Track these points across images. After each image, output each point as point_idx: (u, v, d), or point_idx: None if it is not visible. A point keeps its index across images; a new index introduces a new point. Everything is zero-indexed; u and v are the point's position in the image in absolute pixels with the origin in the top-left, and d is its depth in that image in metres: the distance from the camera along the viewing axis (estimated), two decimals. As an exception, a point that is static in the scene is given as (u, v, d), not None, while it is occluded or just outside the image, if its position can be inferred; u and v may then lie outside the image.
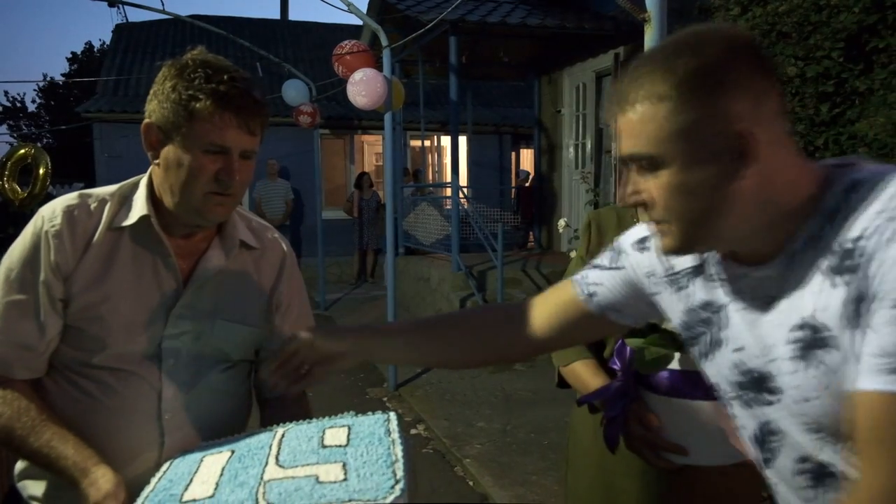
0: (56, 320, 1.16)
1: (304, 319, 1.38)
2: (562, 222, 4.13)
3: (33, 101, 23.34)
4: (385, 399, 5.30)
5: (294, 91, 8.60)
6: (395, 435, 0.92)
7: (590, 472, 1.61)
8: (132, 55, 12.99)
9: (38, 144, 9.20)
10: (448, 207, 8.55)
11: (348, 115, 11.46)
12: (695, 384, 1.19)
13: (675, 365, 1.26)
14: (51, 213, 1.18)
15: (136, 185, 1.24)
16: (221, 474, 0.87)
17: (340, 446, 0.91)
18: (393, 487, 0.81)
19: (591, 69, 8.05)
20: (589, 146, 8.19)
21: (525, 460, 3.94)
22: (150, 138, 1.18)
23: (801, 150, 0.82)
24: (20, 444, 1.11)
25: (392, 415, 0.97)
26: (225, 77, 1.12)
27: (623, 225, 1.63)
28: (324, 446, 0.92)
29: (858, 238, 0.72)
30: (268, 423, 1.42)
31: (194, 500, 0.82)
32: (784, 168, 0.78)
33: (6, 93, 22.44)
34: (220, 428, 1.28)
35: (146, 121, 1.18)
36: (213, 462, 0.92)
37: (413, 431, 4.57)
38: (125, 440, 1.17)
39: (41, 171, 7.29)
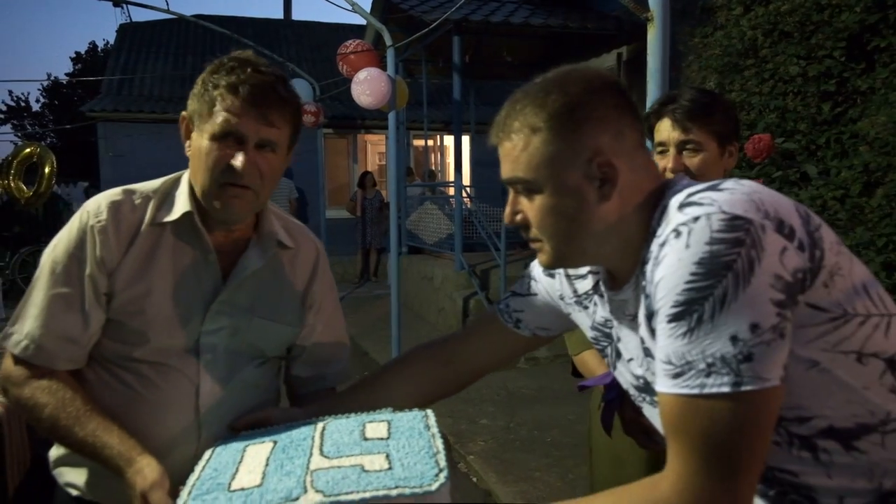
0: (99, 314, 1.18)
1: (336, 318, 1.42)
2: (565, 221, 4.16)
3: (37, 101, 23.39)
4: (389, 396, 5.33)
5: (298, 90, 8.65)
6: (434, 430, 0.95)
7: (606, 460, 1.67)
8: (136, 55, 13.04)
9: (43, 143, 9.23)
10: (451, 206, 8.60)
11: (352, 114, 11.50)
12: None
13: None
14: (96, 207, 1.19)
15: (178, 181, 1.26)
16: (267, 464, 0.89)
17: (382, 439, 0.93)
18: (437, 475, 0.84)
19: (593, 69, 8.08)
20: (592, 145, 8.21)
21: (528, 457, 3.96)
22: (183, 130, 1.22)
23: (656, 177, 0.91)
24: (65, 434, 1.14)
25: (429, 412, 1.00)
26: (248, 69, 1.14)
27: None
28: (366, 439, 0.94)
29: (646, 262, 0.84)
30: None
31: (243, 489, 0.84)
32: (638, 192, 0.89)
33: (10, 92, 22.56)
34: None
35: (182, 113, 1.22)
36: (257, 452, 0.93)
37: (417, 428, 4.60)
38: (164, 432, 1.19)
39: (47, 170, 7.34)
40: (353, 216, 10.61)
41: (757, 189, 0.79)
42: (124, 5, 9.13)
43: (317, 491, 0.81)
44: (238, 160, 1.12)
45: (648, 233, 0.87)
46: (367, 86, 4.90)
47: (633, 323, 0.93)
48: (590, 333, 1.07)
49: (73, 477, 1.24)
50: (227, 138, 1.13)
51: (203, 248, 1.22)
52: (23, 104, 22.74)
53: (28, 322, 1.17)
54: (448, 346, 1.28)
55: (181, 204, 1.20)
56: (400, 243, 6.74)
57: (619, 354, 1.01)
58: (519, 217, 0.92)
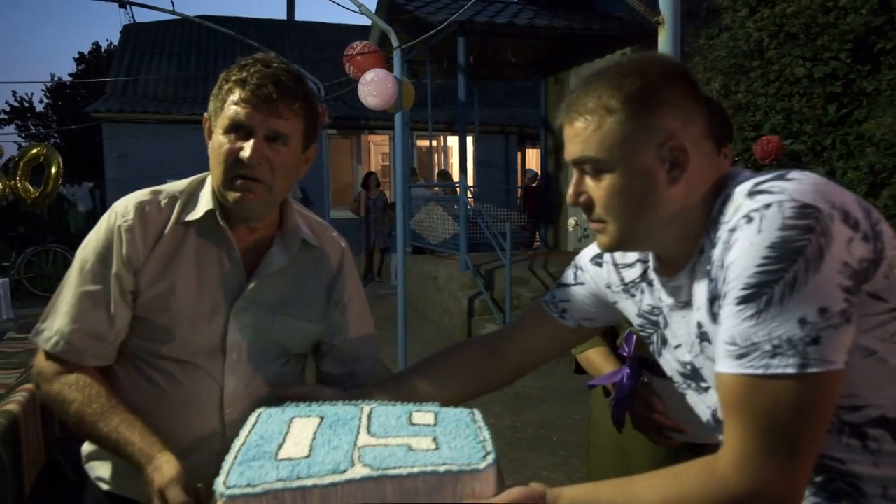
0: (125, 311, 1.20)
1: (365, 316, 1.42)
2: (571, 221, 4.17)
3: (41, 101, 23.46)
4: (395, 396, 5.35)
5: (303, 91, 8.67)
6: (481, 424, 0.96)
7: (608, 453, 1.69)
8: (140, 55, 13.08)
9: (48, 144, 9.27)
10: (455, 207, 8.62)
11: (355, 115, 11.54)
12: None
13: None
14: (124, 208, 1.22)
15: (203, 181, 1.28)
16: (314, 438, 0.90)
17: (429, 425, 0.95)
18: (485, 457, 0.85)
19: (597, 69, 8.09)
20: (595, 146, 8.22)
21: (535, 456, 3.99)
22: (206, 130, 1.23)
23: (718, 167, 0.93)
24: (91, 430, 1.16)
25: (476, 410, 1.01)
26: (258, 65, 1.16)
27: None
28: (412, 424, 0.95)
29: (714, 248, 0.86)
30: None
31: (290, 459, 0.85)
32: (703, 183, 0.91)
33: (14, 93, 22.59)
34: None
35: (204, 114, 1.24)
36: (304, 425, 0.94)
37: (423, 427, 4.62)
38: (188, 430, 1.21)
39: (53, 170, 7.34)
40: (356, 216, 10.64)
41: (822, 181, 0.82)
42: (129, 6, 9.17)
43: (364, 465, 0.83)
44: (246, 151, 1.13)
45: (710, 220, 0.89)
46: (374, 87, 4.92)
47: (685, 309, 0.94)
48: (636, 321, 1.09)
49: (103, 471, 1.27)
50: (237, 131, 1.15)
51: (227, 246, 1.23)
52: (26, 104, 22.80)
53: (58, 319, 1.20)
54: (494, 340, 1.28)
55: (204, 203, 1.23)
56: (405, 243, 6.76)
57: (665, 341, 1.02)
58: (583, 198, 0.93)
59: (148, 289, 1.20)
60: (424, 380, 1.25)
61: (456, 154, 13.95)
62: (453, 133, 12.18)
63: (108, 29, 60.88)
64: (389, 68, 5.40)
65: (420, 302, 8.01)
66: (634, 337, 1.45)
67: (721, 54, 4.42)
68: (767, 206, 0.79)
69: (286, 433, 0.93)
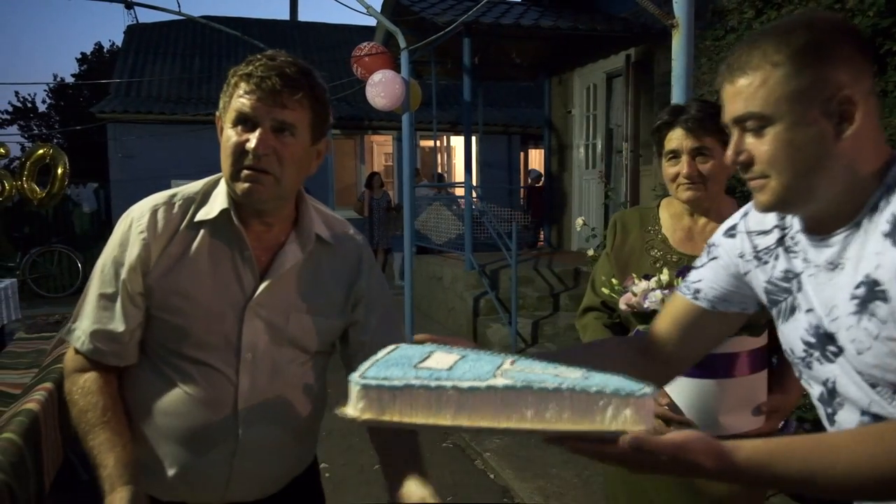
0: (136, 314, 1.22)
1: (391, 312, 1.42)
2: (579, 221, 4.20)
3: (43, 102, 23.48)
4: (402, 395, 5.38)
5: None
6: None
7: None
8: (144, 56, 13.11)
9: (54, 144, 9.30)
10: (459, 207, 8.64)
11: (359, 115, 11.57)
12: (698, 365, 1.32)
13: None
14: (139, 213, 1.24)
15: (217, 182, 1.29)
16: (456, 361, 0.86)
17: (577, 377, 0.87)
18: (642, 388, 0.76)
19: (601, 70, 8.12)
20: (599, 146, 8.26)
21: (544, 454, 4.01)
22: (218, 128, 1.25)
23: (881, 132, 0.93)
24: (82, 438, 1.21)
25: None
26: (263, 59, 1.18)
27: (645, 224, 1.76)
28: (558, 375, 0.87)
29: (876, 209, 0.87)
30: None
31: (430, 368, 0.82)
32: (869, 140, 0.90)
33: (17, 93, 22.61)
34: (298, 423, 1.33)
35: (216, 113, 1.26)
36: (445, 355, 0.90)
37: (432, 427, 4.65)
38: (202, 429, 1.23)
39: (59, 170, 7.38)
40: (360, 216, 10.67)
41: None
42: (133, 7, 9.18)
43: (507, 378, 0.78)
44: (252, 142, 1.14)
45: (885, 182, 0.89)
46: (382, 88, 4.95)
47: (833, 271, 0.93)
48: (764, 288, 1.06)
49: None
50: (243, 123, 1.16)
51: (240, 245, 1.24)
52: (29, 105, 22.82)
53: (84, 319, 1.24)
54: (637, 337, 1.25)
55: (219, 202, 1.24)
56: (412, 244, 6.79)
57: (793, 309, 1.00)
58: (743, 156, 0.93)
59: (161, 290, 1.22)
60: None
61: (458, 154, 14.00)
62: (456, 133, 12.22)
63: (110, 29, 60.98)
64: (396, 69, 5.43)
65: (425, 302, 8.03)
66: (644, 333, 1.50)
67: (727, 55, 4.44)
68: None
69: (427, 356, 0.89)
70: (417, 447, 1.28)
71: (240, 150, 1.16)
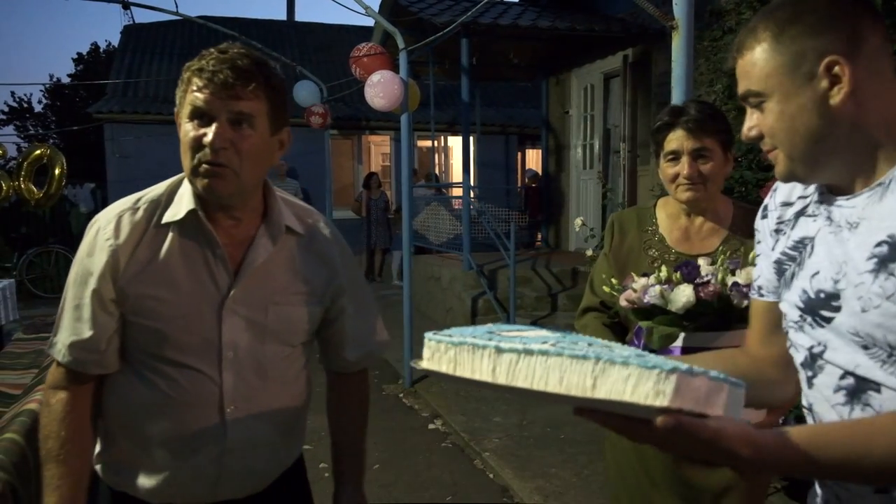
0: (109, 321, 1.22)
1: (365, 295, 1.45)
2: (578, 221, 4.21)
3: (39, 102, 23.40)
4: (401, 395, 5.39)
5: (305, 92, 8.69)
6: None
7: (628, 444, 1.75)
8: (140, 56, 13.09)
9: (51, 145, 9.29)
10: (457, 207, 8.64)
11: (356, 115, 11.57)
12: None
13: (679, 343, 1.49)
14: (105, 220, 1.24)
15: (181, 182, 1.28)
16: (527, 334, 0.87)
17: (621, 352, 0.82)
18: (690, 367, 0.71)
19: (599, 70, 8.14)
20: (597, 147, 8.28)
21: (543, 454, 4.02)
22: (177, 125, 1.24)
23: None
24: (41, 461, 1.23)
25: None
26: (214, 52, 1.18)
27: (642, 224, 1.79)
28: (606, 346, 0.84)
29: None
30: (331, 400, 1.51)
31: (498, 335, 0.86)
32: (880, 100, 0.90)
33: (13, 93, 22.56)
34: (285, 418, 1.34)
35: (175, 110, 1.25)
36: (536, 331, 0.89)
37: (431, 427, 4.66)
38: (189, 432, 1.23)
39: (57, 171, 7.36)
40: (358, 217, 10.67)
41: None
42: (130, 7, 9.17)
43: (549, 345, 0.78)
44: (209, 136, 1.14)
45: None
46: (381, 88, 4.95)
47: (849, 231, 0.92)
48: (775, 258, 1.06)
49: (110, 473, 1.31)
50: (200, 118, 1.16)
51: (211, 244, 1.24)
52: (25, 105, 22.76)
53: (62, 332, 1.24)
54: (745, 349, 1.17)
55: (185, 202, 1.23)
56: (410, 244, 6.79)
57: (794, 275, 1.00)
58: (754, 131, 0.96)
59: (134, 295, 1.21)
60: None
61: (456, 154, 14.01)
62: (454, 133, 12.23)
63: (106, 30, 60.85)
64: (394, 70, 5.43)
65: (423, 302, 8.04)
66: (644, 329, 1.53)
67: (725, 56, 4.46)
68: None
69: (524, 331, 0.90)
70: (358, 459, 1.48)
71: (197, 145, 1.16)
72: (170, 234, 1.23)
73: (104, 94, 12.17)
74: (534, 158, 15.03)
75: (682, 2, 2.43)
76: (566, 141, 8.86)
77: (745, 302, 1.43)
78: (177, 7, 6.89)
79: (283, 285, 1.29)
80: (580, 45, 7.89)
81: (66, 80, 23.13)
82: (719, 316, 1.49)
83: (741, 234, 1.68)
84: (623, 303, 1.60)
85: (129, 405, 1.25)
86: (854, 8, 0.90)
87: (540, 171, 10.46)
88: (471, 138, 7.58)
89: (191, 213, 1.22)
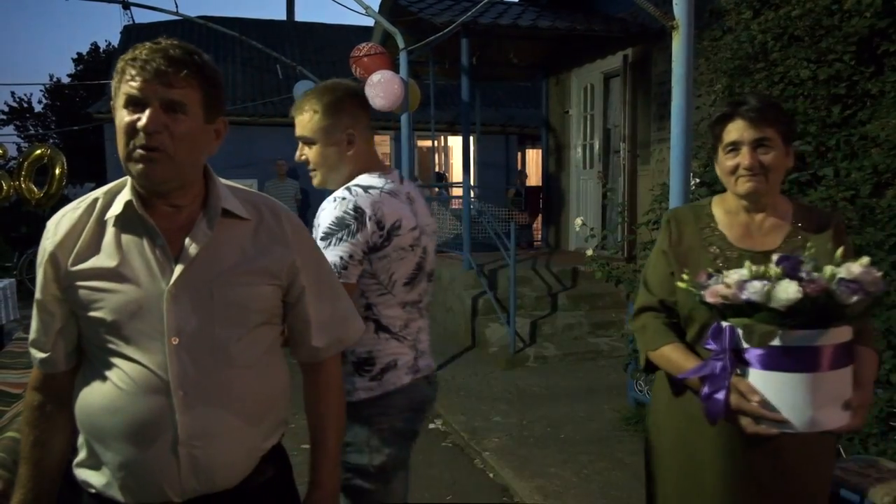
0: (50, 320, 1.29)
1: (328, 276, 1.45)
2: (578, 221, 4.21)
3: (39, 102, 23.41)
4: (401, 395, 5.38)
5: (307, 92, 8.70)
6: None
7: (669, 447, 1.73)
8: (141, 56, 13.07)
9: (52, 144, 9.30)
10: (455, 207, 8.65)
11: (356, 115, 11.55)
12: (793, 359, 1.36)
13: (776, 341, 1.40)
14: (51, 222, 1.30)
15: (126, 182, 1.30)
16: None
17: None
18: None
19: (599, 70, 8.14)
20: (597, 146, 8.28)
21: (543, 453, 4.03)
22: (114, 115, 1.26)
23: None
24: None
25: None
26: (148, 44, 1.21)
27: (699, 221, 1.72)
28: None
29: None
30: (306, 396, 1.49)
31: None
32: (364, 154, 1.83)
33: (13, 93, 22.56)
34: (247, 404, 1.30)
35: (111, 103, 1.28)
36: None
37: (431, 426, 4.66)
38: (140, 422, 1.22)
39: (57, 171, 7.38)
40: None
41: None
42: (130, 8, 9.17)
43: None
44: (142, 120, 1.17)
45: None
46: (381, 88, 4.96)
47: None
48: None
49: (91, 478, 1.31)
50: (134, 105, 1.19)
51: (150, 234, 1.25)
52: (25, 105, 22.76)
53: (31, 329, 1.32)
54: None
55: (123, 195, 1.27)
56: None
57: None
58: (303, 159, 1.91)
59: (77, 288, 1.25)
60: None
61: (456, 154, 14.00)
62: (454, 133, 12.23)
63: (106, 30, 60.83)
64: (394, 69, 5.44)
65: (423, 302, 8.03)
66: (728, 328, 1.45)
67: (725, 56, 4.46)
68: None
69: None
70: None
71: (131, 130, 1.18)
72: (111, 229, 1.26)
73: (104, 94, 12.17)
74: (534, 158, 15.03)
75: (683, 1, 2.43)
76: (566, 141, 8.86)
77: (854, 298, 1.36)
78: (177, 7, 6.91)
79: (229, 267, 1.28)
80: (580, 45, 7.89)
81: (66, 80, 23.12)
82: (819, 314, 1.40)
83: (804, 229, 1.62)
84: (711, 299, 1.47)
85: (89, 402, 1.27)
86: (358, 102, 1.65)
87: (540, 171, 10.46)
88: (471, 138, 7.57)
89: (127, 204, 1.25)
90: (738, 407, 1.43)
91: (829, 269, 1.39)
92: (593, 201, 8.26)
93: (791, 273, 1.40)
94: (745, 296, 1.41)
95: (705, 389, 1.47)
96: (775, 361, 1.39)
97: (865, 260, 1.40)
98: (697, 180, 4.11)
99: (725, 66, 4.41)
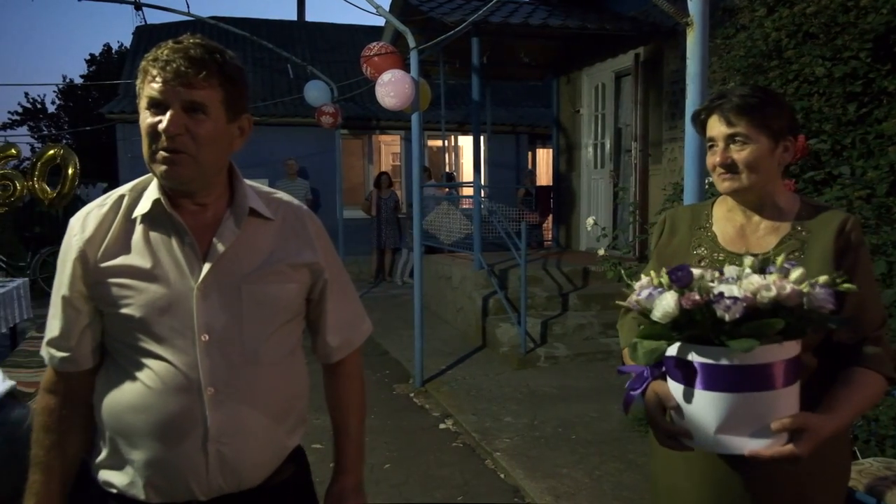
0: (77, 317, 1.27)
1: (344, 279, 1.47)
2: (590, 220, 4.19)
3: (53, 103, 23.59)
4: (412, 395, 5.38)
5: (316, 92, 8.71)
6: None
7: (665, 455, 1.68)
8: (153, 57, 13.14)
9: (65, 145, 9.36)
10: (466, 206, 8.63)
11: (366, 115, 11.57)
12: (701, 374, 1.26)
13: (672, 352, 1.31)
14: (75, 219, 1.30)
15: (151, 179, 1.31)
16: None
17: None
18: None
19: (610, 69, 8.11)
20: (608, 146, 8.24)
21: (554, 454, 4.01)
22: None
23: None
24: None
25: None
26: (170, 44, 1.21)
27: (696, 222, 1.65)
28: None
29: None
30: (327, 393, 1.51)
31: None
32: None
33: (27, 94, 22.74)
34: (274, 402, 1.31)
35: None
36: None
37: (441, 426, 4.65)
38: (170, 420, 1.23)
39: (70, 171, 7.39)
40: (368, 216, 10.68)
41: None
42: (142, 9, 9.22)
43: None
44: (164, 122, 1.17)
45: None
46: (392, 87, 4.95)
47: None
48: None
49: (113, 478, 1.30)
50: (156, 107, 1.19)
51: (178, 232, 1.26)
52: (39, 106, 22.93)
53: (47, 333, 1.30)
54: None
55: (151, 194, 1.27)
56: (421, 244, 6.78)
57: None
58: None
59: (106, 285, 1.25)
60: None
61: (466, 154, 13.98)
62: (464, 133, 12.20)
63: (118, 31, 61.08)
64: (405, 69, 5.43)
65: (434, 301, 8.03)
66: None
67: (739, 54, 4.42)
68: None
69: None
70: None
71: (154, 132, 1.19)
72: (139, 227, 1.27)
73: (116, 95, 12.23)
74: (544, 158, 14.98)
75: (697, -1, 2.41)
76: (577, 140, 8.83)
77: (737, 315, 1.21)
78: (188, 8, 6.94)
79: (255, 266, 1.30)
80: (591, 44, 7.85)
81: (78, 80, 23.27)
82: (710, 331, 1.26)
83: (805, 231, 1.51)
84: (628, 304, 1.40)
85: (114, 400, 1.26)
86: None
87: (551, 171, 10.42)
88: (481, 138, 7.56)
89: (155, 202, 1.25)
90: (649, 405, 1.39)
91: (772, 277, 1.25)
92: (604, 201, 8.23)
93: (679, 283, 1.29)
94: (633, 304, 1.35)
95: (628, 384, 1.44)
96: (679, 374, 1.31)
97: (796, 274, 1.25)
98: (711, 179, 4.08)
99: (739, 65, 4.38)
